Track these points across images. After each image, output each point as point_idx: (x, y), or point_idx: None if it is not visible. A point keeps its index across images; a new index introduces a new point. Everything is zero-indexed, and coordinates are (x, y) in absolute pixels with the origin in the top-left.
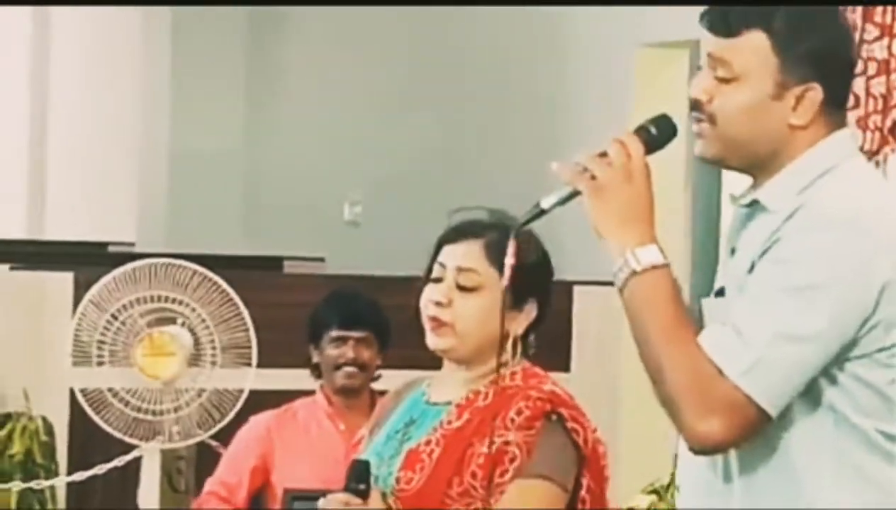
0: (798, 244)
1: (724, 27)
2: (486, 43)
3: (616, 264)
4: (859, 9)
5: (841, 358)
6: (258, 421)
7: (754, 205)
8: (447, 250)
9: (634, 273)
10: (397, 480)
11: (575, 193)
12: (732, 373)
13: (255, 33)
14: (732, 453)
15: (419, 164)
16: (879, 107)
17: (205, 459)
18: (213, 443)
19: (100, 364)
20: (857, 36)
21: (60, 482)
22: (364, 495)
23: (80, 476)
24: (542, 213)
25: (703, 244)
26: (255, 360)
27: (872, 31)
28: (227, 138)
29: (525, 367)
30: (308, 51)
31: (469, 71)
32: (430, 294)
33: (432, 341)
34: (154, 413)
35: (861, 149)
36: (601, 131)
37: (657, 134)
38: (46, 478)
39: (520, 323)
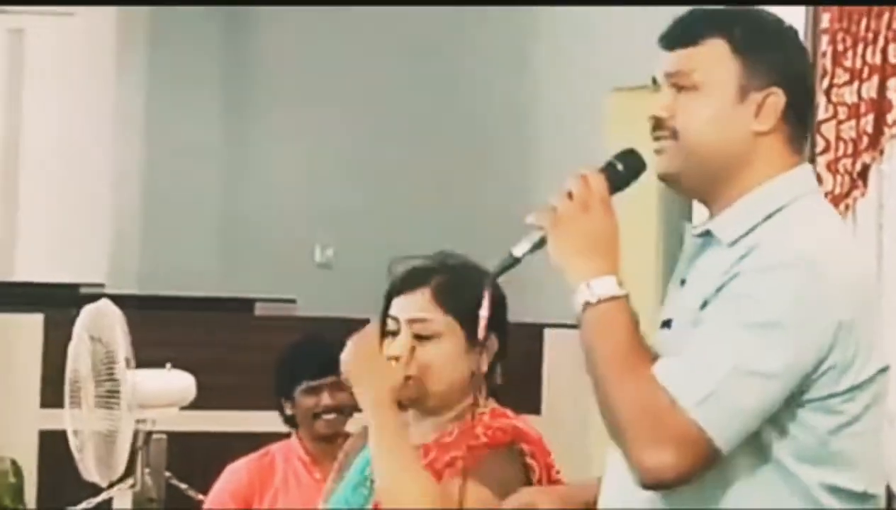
0: (757, 281)
1: (684, 37)
2: (459, 83)
3: (573, 295)
4: (829, 54)
5: (792, 401)
6: (238, 467)
7: (707, 235)
8: (397, 303)
9: (589, 304)
10: None
11: (545, 238)
12: (688, 403)
13: (231, 71)
14: (660, 495)
15: (391, 206)
16: (849, 151)
17: (175, 503)
18: (182, 485)
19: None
20: (827, 81)
21: None
22: None
23: None
24: (516, 261)
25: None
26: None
27: (842, 76)
28: (200, 179)
29: (494, 408)
30: (284, 92)
31: (442, 113)
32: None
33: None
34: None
35: (831, 193)
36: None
37: (624, 170)
38: None
39: (483, 360)
